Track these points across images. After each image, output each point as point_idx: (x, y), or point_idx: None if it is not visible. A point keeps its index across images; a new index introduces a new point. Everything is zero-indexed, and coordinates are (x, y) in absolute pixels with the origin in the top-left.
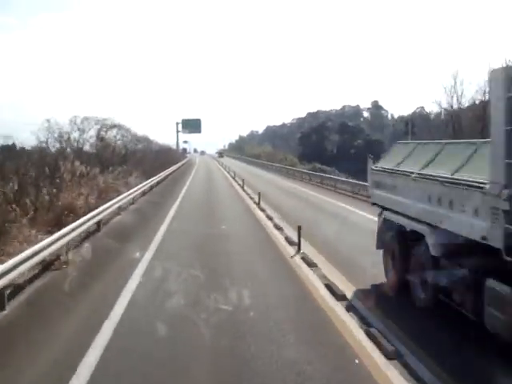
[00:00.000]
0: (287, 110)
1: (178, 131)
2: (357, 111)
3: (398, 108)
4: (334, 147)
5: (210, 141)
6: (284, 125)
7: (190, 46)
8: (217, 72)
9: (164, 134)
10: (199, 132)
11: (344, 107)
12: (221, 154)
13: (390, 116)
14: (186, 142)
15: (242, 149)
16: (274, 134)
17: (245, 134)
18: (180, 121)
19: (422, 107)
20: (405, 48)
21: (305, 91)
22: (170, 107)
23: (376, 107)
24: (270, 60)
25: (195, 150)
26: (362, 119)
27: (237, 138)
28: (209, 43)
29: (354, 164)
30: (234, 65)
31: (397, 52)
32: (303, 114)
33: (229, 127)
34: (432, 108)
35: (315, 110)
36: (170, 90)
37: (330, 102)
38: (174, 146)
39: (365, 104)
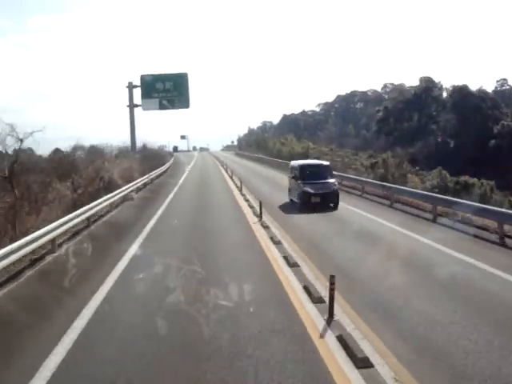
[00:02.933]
0: (305, 96)
1: (132, 105)
2: (401, 91)
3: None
4: (448, 136)
5: (213, 136)
6: (304, 113)
7: (186, 25)
8: (220, 57)
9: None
10: (186, 107)
11: (385, 86)
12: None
13: (445, 94)
14: (183, 137)
15: (260, 144)
16: (294, 124)
17: (254, 126)
18: (138, 81)
19: (505, 79)
20: (452, 15)
21: (325, 74)
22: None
23: (427, 84)
24: (280, 39)
25: (194, 148)
26: None
27: (245, 131)
28: (209, 21)
29: (499, 163)
30: (240, 46)
31: (443, 21)
32: (331, 98)
33: (234, 120)
34: None
35: (349, 92)
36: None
37: (359, 83)
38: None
39: (410, 82)
